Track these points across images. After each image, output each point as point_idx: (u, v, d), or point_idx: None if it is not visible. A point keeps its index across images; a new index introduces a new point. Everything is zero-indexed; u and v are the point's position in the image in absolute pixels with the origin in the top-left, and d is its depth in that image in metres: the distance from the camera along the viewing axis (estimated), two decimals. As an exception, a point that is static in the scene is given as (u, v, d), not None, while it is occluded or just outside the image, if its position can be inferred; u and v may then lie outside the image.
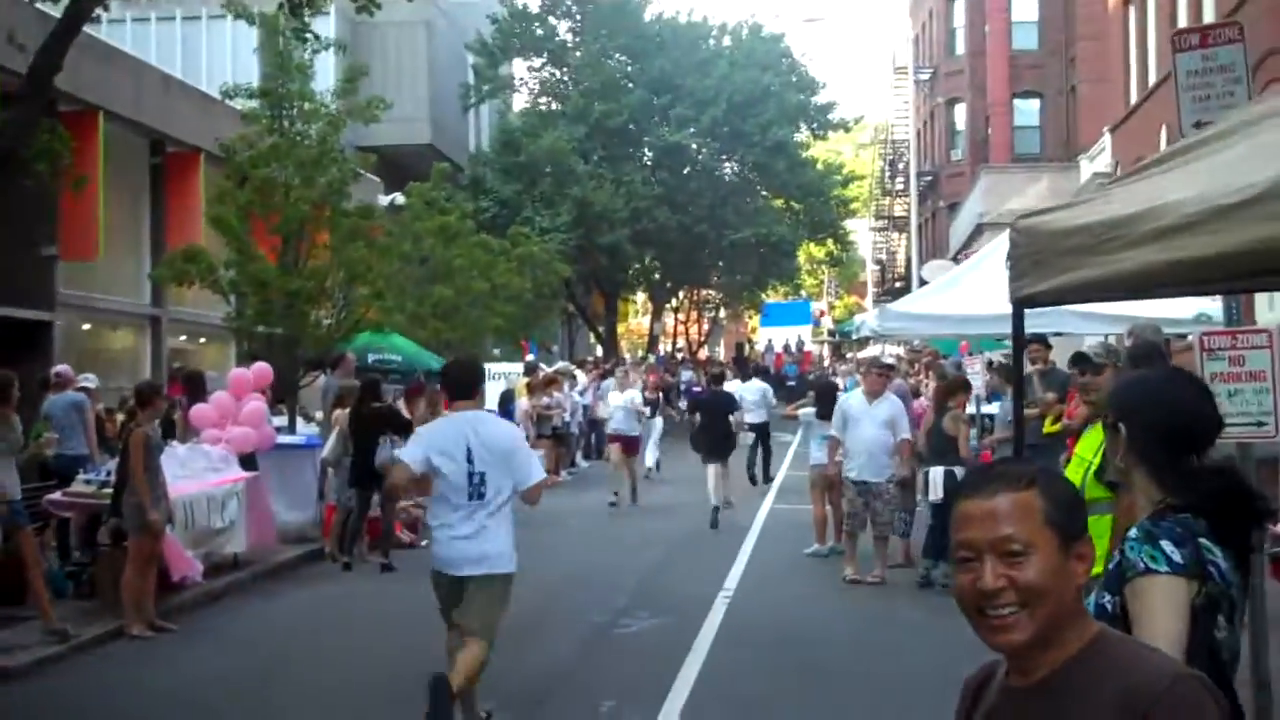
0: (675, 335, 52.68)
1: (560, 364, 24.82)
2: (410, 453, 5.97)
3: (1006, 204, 28.83)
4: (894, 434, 11.04)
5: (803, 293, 57.66)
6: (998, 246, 13.76)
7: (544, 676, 7.86)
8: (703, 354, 58.02)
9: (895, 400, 11.50)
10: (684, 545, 13.41)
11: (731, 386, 18.40)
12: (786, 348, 50.19)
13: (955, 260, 33.63)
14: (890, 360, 17.48)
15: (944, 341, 19.13)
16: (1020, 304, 4.17)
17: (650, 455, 19.82)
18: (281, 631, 9.56)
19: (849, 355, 40.07)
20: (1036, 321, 10.53)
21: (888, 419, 11.04)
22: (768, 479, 19.12)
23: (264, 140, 15.21)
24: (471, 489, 5.89)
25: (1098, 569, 2.61)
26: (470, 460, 5.87)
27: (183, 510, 10.54)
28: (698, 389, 26.38)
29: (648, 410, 19.23)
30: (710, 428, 15.31)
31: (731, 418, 15.46)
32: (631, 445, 17.16)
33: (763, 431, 19.07)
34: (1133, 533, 2.58)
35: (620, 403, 17.55)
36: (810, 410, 13.16)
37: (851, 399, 11.27)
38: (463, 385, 6.25)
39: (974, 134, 40.40)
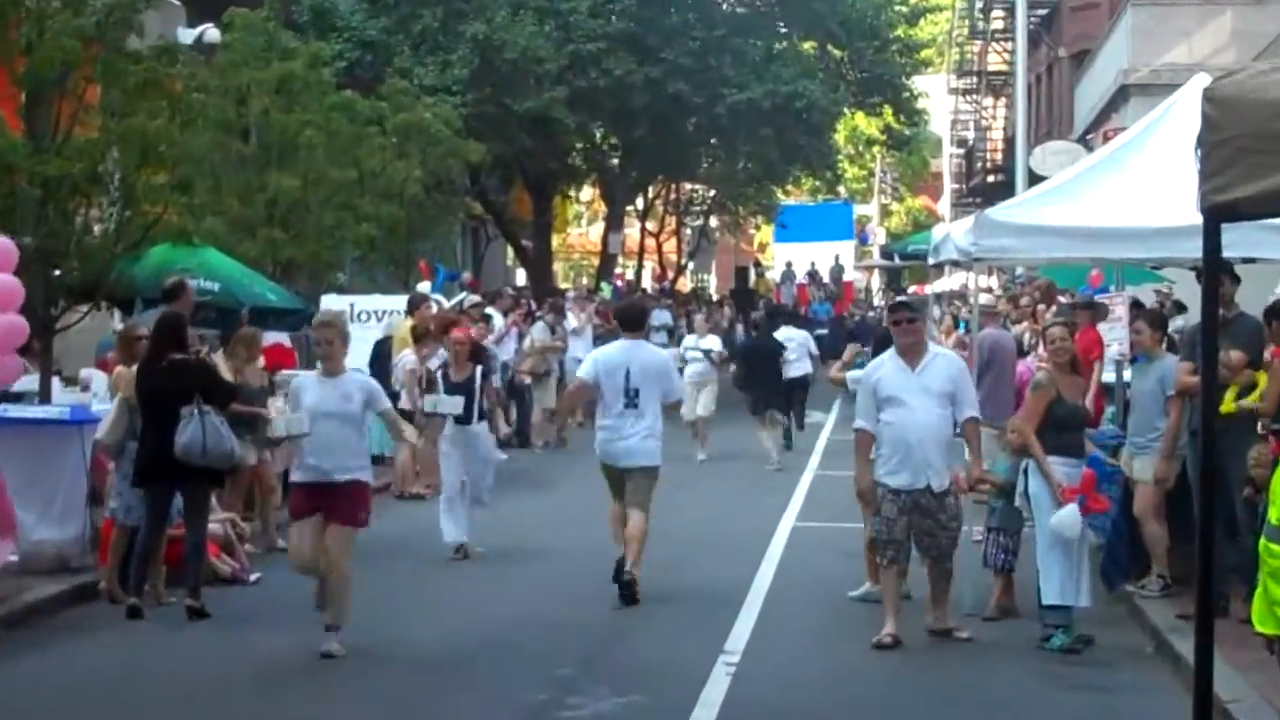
0: (642, 254, 52.74)
1: (465, 296, 24.74)
2: (585, 369, 13.15)
3: (1167, 54, 28.91)
4: (954, 410, 11.10)
5: (842, 190, 57.94)
6: (1153, 121, 13.89)
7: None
8: (684, 283, 58.39)
9: (950, 357, 11.68)
10: (670, 576, 13.44)
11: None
12: (814, 275, 50.35)
13: (1084, 142, 33.80)
14: (989, 297, 17.64)
15: (1062, 270, 19.26)
16: (1216, 214, 4.18)
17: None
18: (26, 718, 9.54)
19: (912, 290, 40.38)
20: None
21: (943, 388, 11.09)
22: (789, 445, 23.48)
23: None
24: (627, 400, 12.59)
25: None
26: (628, 379, 12.61)
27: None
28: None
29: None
30: (761, 378, 21.42)
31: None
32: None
33: (801, 385, 24.91)
34: None
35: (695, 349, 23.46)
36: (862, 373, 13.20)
37: (882, 366, 11.29)
38: (630, 322, 13.48)
39: (1113, -56, 40.51)
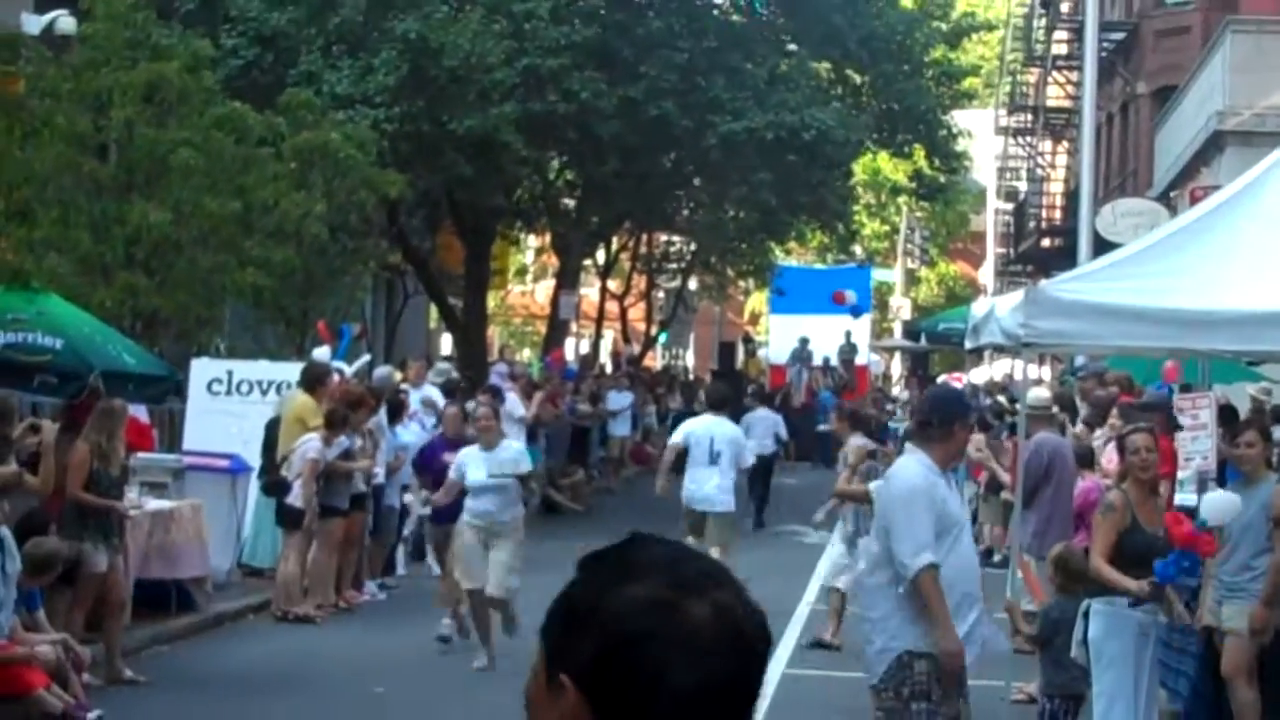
0: (601, 321, 52.78)
1: (381, 369, 24.68)
2: (676, 436, 21.30)
3: (1272, 94, 29.10)
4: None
5: (858, 250, 58.16)
6: (1256, 179, 14.02)
7: None
8: (654, 360, 58.35)
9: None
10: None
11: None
12: (825, 363, 50.31)
13: (1166, 201, 34.03)
14: (1044, 399, 17.63)
15: (1136, 361, 19.36)
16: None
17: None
18: None
19: (943, 380, 40.48)
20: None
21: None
22: (759, 524, 27.76)
23: None
24: (711, 457, 19.98)
25: None
26: (712, 444, 20.12)
27: None
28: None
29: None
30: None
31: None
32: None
33: (766, 467, 28.33)
34: None
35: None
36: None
37: (936, 475, 10.63)
38: (718, 404, 22.05)
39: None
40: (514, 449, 17.41)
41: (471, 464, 16.66)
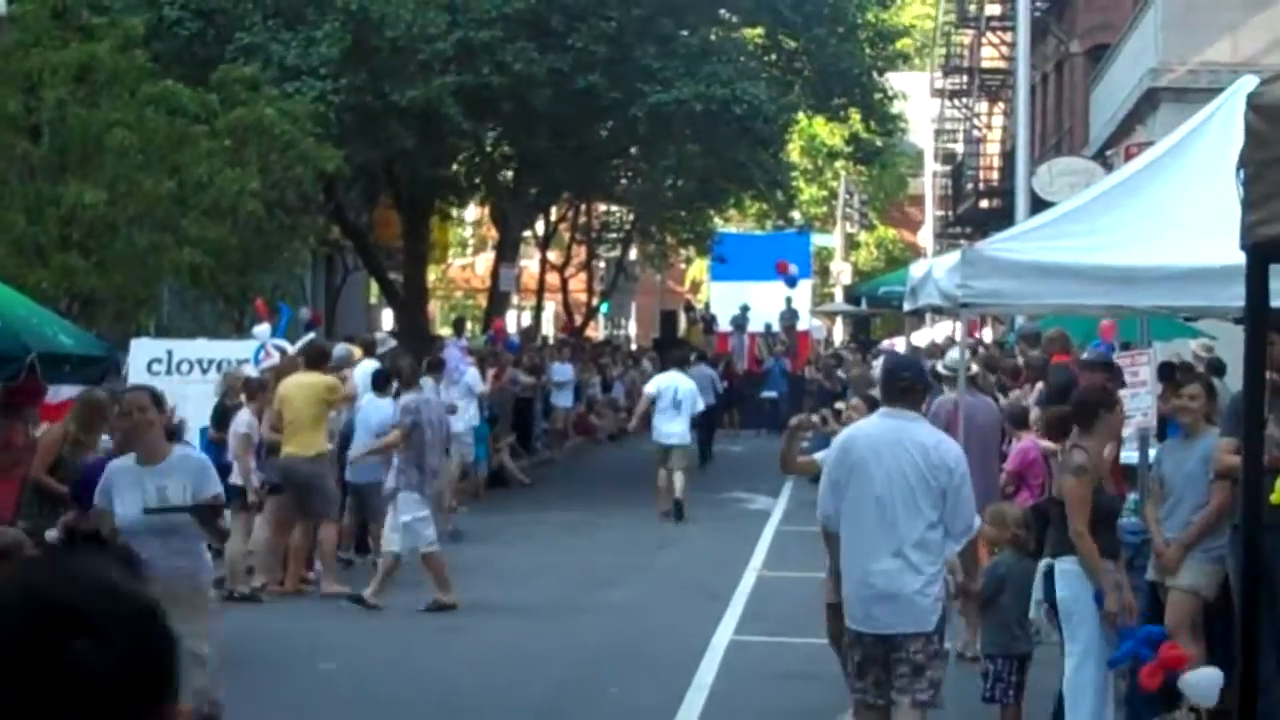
0: (541, 292, 52.71)
1: (339, 347, 24.53)
2: (648, 387, 29.47)
3: (1205, 50, 29.18)
4: (946, 516, 10.79)
5: (797, 216, 58.15)
6: (1188, 135, 14.05)
7: None
8: (595, 330, 58.34)
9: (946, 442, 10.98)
10: (574, 709, 13.40)
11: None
12: (766, 329, 50.37)
13: (1102, 159, 34.12)
14: (955, 360, 17.62)
15: (1075, 320, 19.41)
16: (1264, 252, 4.25)
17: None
18: None
19: (885, 344, 40.57)
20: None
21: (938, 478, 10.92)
22: (706, 458, 33.19)
23: None
24: (675, 405, 27.63)
25: None
26: (675, 394, 27.63)
27: None
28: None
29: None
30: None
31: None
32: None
33: (708, 415, 32.73)
34: None
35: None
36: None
37: (855, 439, 10.74)
38: (680, 362, 30.57)
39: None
40: (193, 461, 11.33)
41: (122, 487, 10.89)
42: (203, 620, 10.68)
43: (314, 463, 19.32)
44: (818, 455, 13.25)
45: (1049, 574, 11.01)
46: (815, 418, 17.74)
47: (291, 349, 22.75)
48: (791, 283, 50.23)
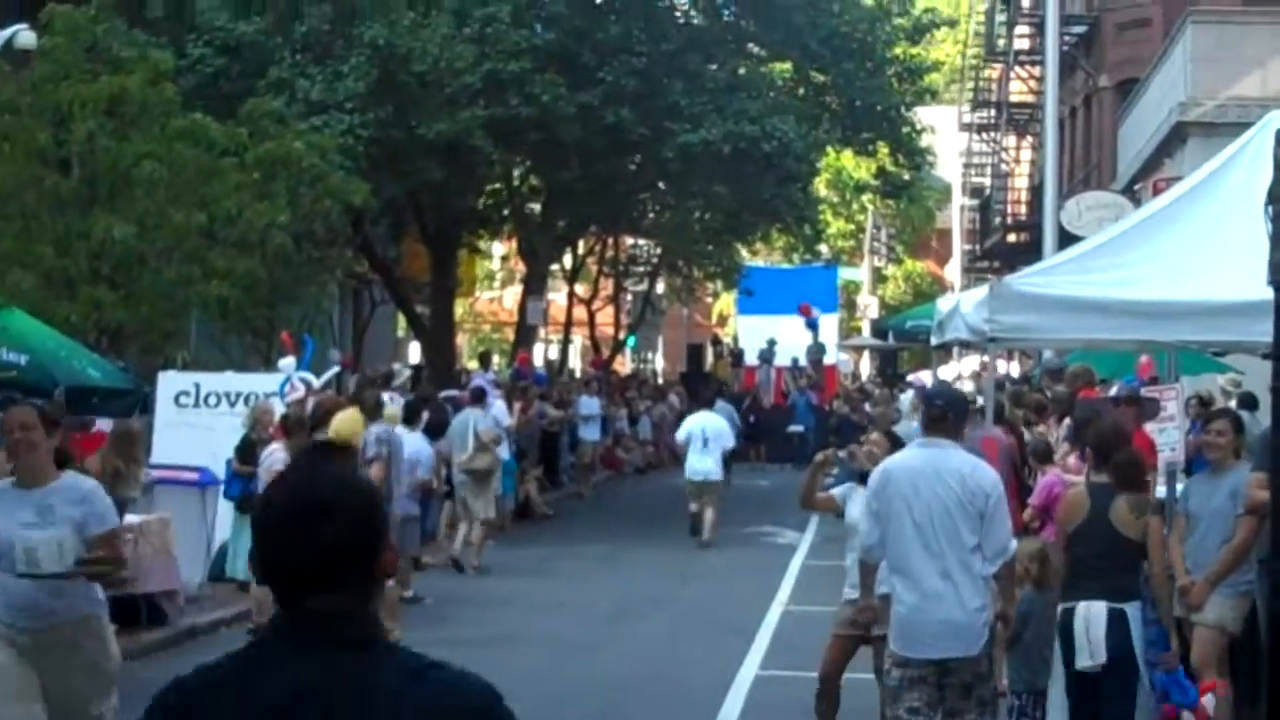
0: (569, 326, 52.75)
1: (336, 370, 24.53)
2: (680, 433, 30.05)
3: (1235, 85, 29.09)
4: (984, 541, 10.75)
5: (824, 250, 58.19)
6: (1217, 170, 14.01)
7: None
8: (622, 363, 58.28)
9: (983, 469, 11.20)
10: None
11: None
12: (793, 363, 50.23)
13: (1130, 194, 34.07)
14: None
15: (1105, 355, 19.35)
16: (1292, 288, 4.25)
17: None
18: None
19: (913, 380, 40.47)
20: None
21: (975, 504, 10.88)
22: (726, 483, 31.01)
23: None
24: (704, 443, 28.50)
25: None
26: (704, 434, 28.62)
27: None
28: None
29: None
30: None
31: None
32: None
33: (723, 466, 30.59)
34: None
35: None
36: (852, 486, 13.07)
37: (892, 472, 10.81)
38: (709, 403, 32.96)
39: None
40: (82, 488, 9.84)
41: None
42: (105, 642, 9.86)
43: None
44: (835, 491, 13.26)
45: (1119, 619, 10.80)
46: (842, 453, 17.68)
47: (317, 382, 22.77)
48: (813, 325, 50.24)
